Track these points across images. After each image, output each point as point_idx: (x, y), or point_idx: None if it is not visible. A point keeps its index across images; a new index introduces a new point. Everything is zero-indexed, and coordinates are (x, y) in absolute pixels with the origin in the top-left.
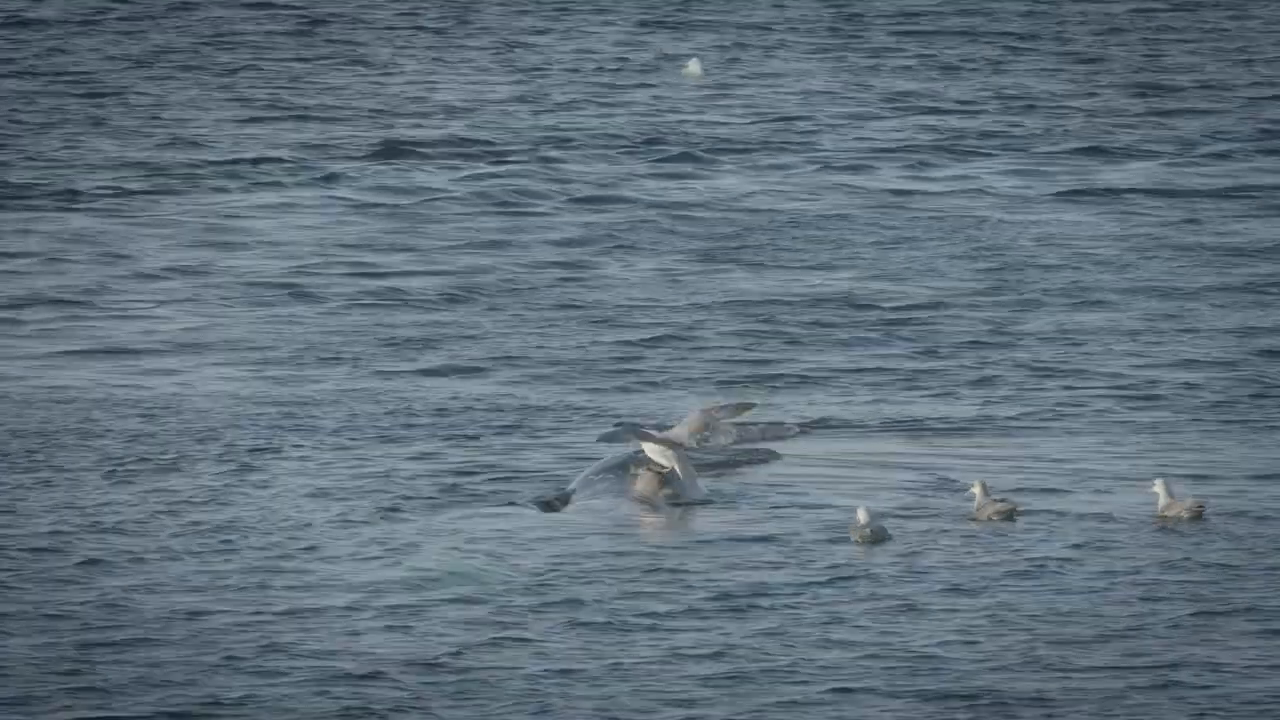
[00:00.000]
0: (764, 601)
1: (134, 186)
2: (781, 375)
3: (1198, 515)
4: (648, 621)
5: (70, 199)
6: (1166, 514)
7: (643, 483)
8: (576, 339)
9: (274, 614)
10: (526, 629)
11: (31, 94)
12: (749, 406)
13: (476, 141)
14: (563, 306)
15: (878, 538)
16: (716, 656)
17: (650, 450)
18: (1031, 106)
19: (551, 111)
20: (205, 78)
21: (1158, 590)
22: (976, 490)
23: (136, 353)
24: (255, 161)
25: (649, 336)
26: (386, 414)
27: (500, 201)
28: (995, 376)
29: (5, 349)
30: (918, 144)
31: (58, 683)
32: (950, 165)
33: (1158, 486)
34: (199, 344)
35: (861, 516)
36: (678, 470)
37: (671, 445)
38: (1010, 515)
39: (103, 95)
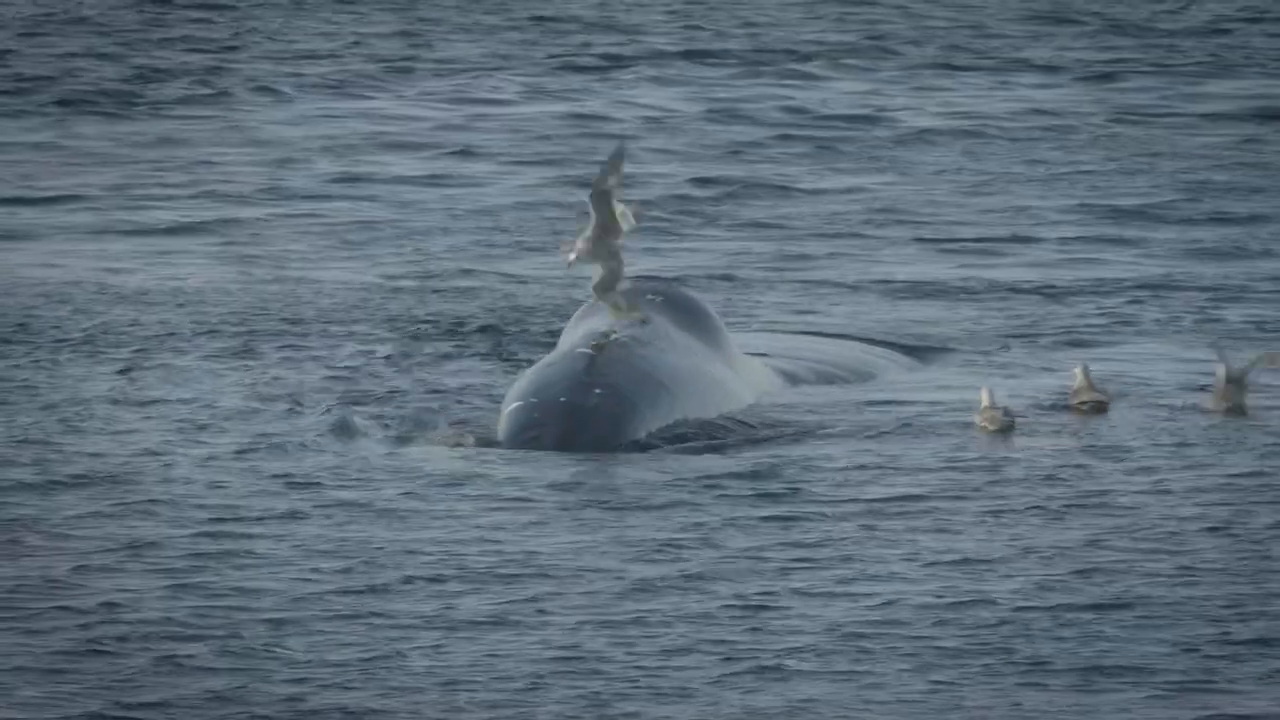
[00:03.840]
0: (874, 505)
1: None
2: (883, 282)
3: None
4: (753, 523)
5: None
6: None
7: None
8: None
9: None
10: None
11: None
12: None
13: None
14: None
15: (1005, 425)
16: (834, 563)
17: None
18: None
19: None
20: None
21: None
22: (1079, 373)
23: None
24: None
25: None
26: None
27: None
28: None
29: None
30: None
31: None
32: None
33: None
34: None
35: (985, 398)
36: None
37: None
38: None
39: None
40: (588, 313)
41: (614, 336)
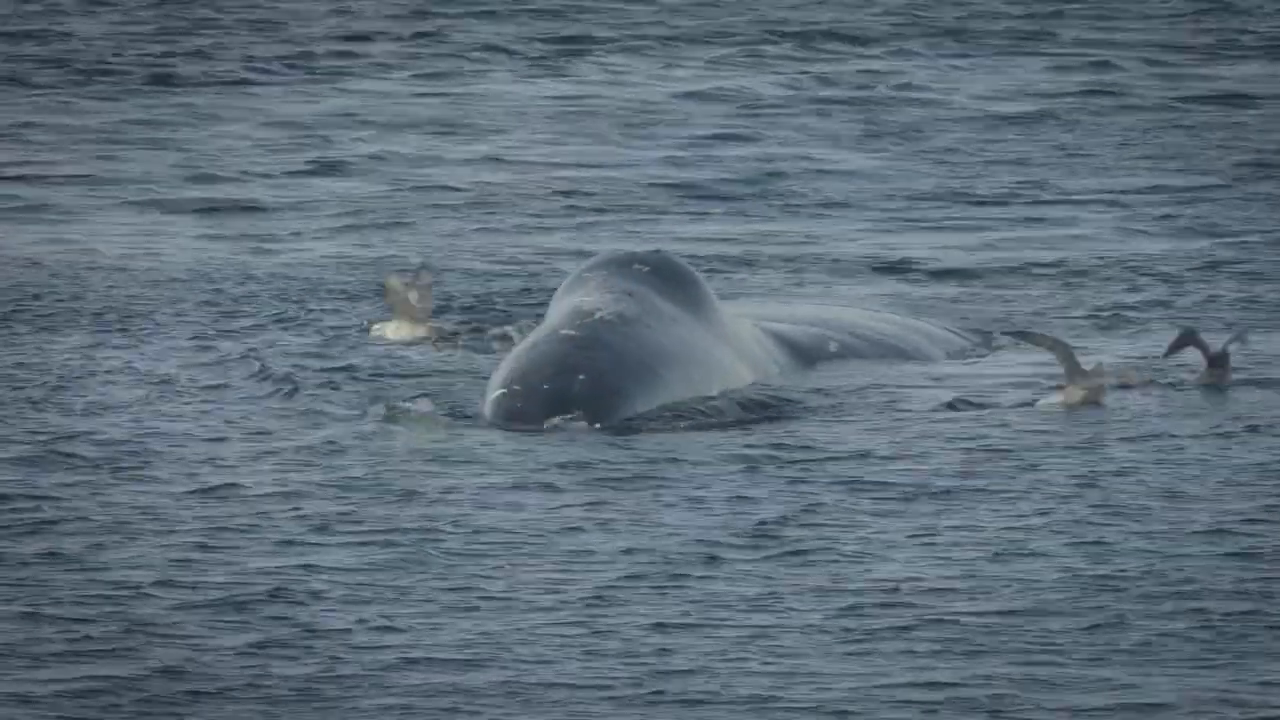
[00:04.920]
0: (935, 481)
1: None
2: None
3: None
4: (763, 505)
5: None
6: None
7: None
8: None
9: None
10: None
11: None
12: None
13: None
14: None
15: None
16: (846, 543)
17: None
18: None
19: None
20: None
21: None
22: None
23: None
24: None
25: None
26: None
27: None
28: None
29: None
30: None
31: None
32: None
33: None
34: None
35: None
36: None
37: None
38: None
39: None
40: (572, 287)
41: (599, 314)
